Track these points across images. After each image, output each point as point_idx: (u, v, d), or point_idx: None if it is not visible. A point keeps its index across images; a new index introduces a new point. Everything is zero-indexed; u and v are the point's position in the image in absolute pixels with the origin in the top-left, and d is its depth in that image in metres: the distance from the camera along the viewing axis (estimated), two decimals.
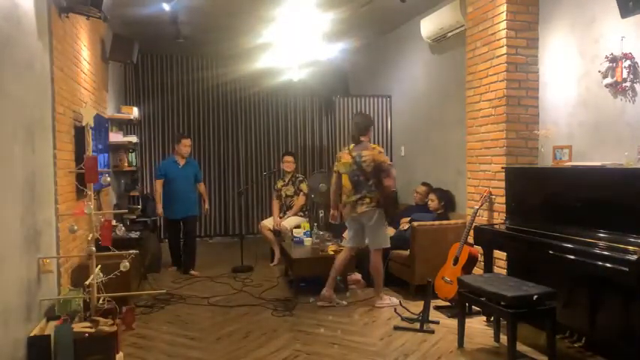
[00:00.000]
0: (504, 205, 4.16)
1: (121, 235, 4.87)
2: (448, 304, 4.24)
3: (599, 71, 3.56)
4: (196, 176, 6.01)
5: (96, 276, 3.26)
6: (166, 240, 6.37)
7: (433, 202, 5.22)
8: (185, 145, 5.88)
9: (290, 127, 8.64)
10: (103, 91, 5.79)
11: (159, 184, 5.84)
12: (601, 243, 3.01)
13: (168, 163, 5.96)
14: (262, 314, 4.32)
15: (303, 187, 6.40)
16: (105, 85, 5.91)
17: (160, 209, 5.83)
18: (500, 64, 4.27)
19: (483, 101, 4.51)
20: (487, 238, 3.98)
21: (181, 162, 5.86)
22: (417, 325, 3.85)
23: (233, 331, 3.90)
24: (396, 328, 3.90)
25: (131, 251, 3.38)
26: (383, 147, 6.19)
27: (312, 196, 6.52)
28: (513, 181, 4.04)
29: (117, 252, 3.33)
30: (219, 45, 7.32)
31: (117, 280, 3.34)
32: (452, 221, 4.92)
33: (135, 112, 6.39)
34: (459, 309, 3.54)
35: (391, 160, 6.18)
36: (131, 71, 7.77)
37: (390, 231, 4.77)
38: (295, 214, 6.33)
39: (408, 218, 5.09)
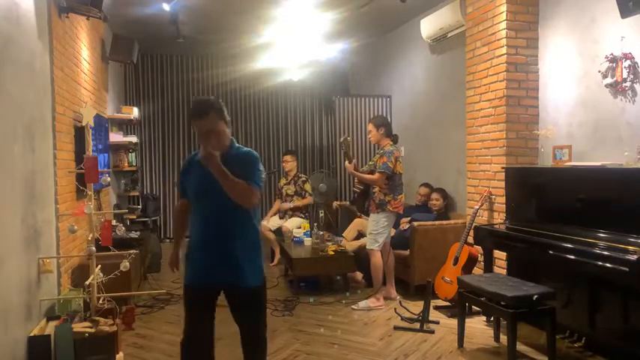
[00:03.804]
0: (504, 205, 4.16)
1: (121, 235, 4.87)
2: (448, 304, 4.24)
3: (599, 71, 3.56)
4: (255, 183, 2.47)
5: (96, 276, 3.26)
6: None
7: (438, 201, 5.23)
8: (206, 123, 2.44)
9: (290, 127, 8.64)
10: (103, 91, 5.79)
11: (182, 207, 2.63)
12: (601, 243, 3.00)
13: (191, 162, 2.58)
14: None
15: (307, 187, 6.38)
16: (105, 85, 5.91)
17: (176, 261, 2.71)
18: (500, 64, 4.26)
19: (483, 101, 4.51)
20: (487, 238, 3.98)
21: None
22: (417, 325, 3.86)
23: (233, 331, 3.88)
24: (396, 328, 3.91)
25: (131, 251, 3.38)
26: None
27: (312, 196, 6.53)
28: (513, 181, 4.04)
29: (117, 252, 3.33)
30: (219, 45, 7.32)
31: (117, 280, 3.34)
32: (452, 221, 4.92)
33: (135, 112, 6.39)
34: (459, 309, 3.54)
35: None
36: (131, 71, 7.78)
37: (391, 231, 4.77)
38: (294, 212, 6.33)
39: (408, 218, 5.09)
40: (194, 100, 2.83)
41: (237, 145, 2.58)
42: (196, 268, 2.52)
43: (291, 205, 6.36)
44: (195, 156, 2.52)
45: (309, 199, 6.37)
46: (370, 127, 4.62)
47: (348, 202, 6.43)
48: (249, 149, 2.58)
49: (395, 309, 4.28)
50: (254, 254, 2.52)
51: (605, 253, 2.89)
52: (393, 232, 4.92)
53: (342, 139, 4.75)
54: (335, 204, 6.57)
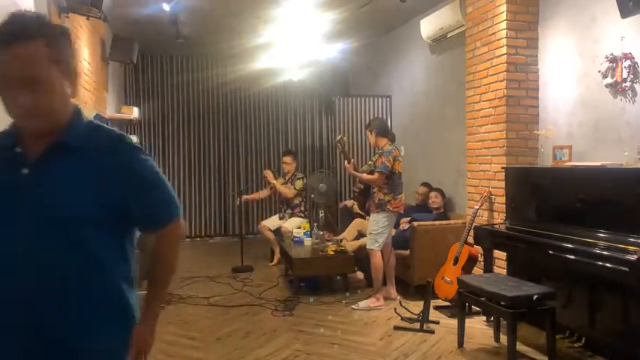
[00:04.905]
0: (504, 205, 4.16)
1: None
2: (448, 304, 4.24)
3: (599, 71, 3.56)
4: (150, 216, 1.44)
5: None
6: None
7: (437, 198, 5.22)
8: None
9: (290, 127, 8.63)
10: (103, 91, 5.79)
11: None
12: (601, 243, 3.00)
13: None
14: (262, 314, 4.32)
15: (297, 183, 6.35)
16: (105, 85, 5.90)
17: None
18: (500, 64, 4.27)
19: (483, 101, 4.51)
20: (487, 238, 3.98)
21: (34, 147, 1.25)
22: (417, 325, 3.85)
23: (233, 331, 3.90)
24: (396, 328, 3.90)
25: None
26: None
27: (312, 196, 6.52)
28: (513, 181, 4.04)
29: None
30: (219, 45, 7.32)
31: None
32: (452, 221, 4.92)
33: (135, 113, 6.38)
34: (459, 309, 3.53)
35: None
36: (131, 71, 7.78)
37: (391, 231, 4.77)
38: (293, 212, 6.32)
39: (408, 218, 5.09)
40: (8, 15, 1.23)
41: (85, 120, 1.38)
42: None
43: (275, 182, 6.37)
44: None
45: (290, 192, 6.33)
46: (367, 133, 4.71)
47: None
48: (118, 133, 1.38)
49: (395, 309, 4.27)
50: (110, 336, 1.34)
51: (605, 253, 2.89)
52: (393, 232, 4.92)
53: (337, 139, 4.78)
54: (349, 203, 6.51)
